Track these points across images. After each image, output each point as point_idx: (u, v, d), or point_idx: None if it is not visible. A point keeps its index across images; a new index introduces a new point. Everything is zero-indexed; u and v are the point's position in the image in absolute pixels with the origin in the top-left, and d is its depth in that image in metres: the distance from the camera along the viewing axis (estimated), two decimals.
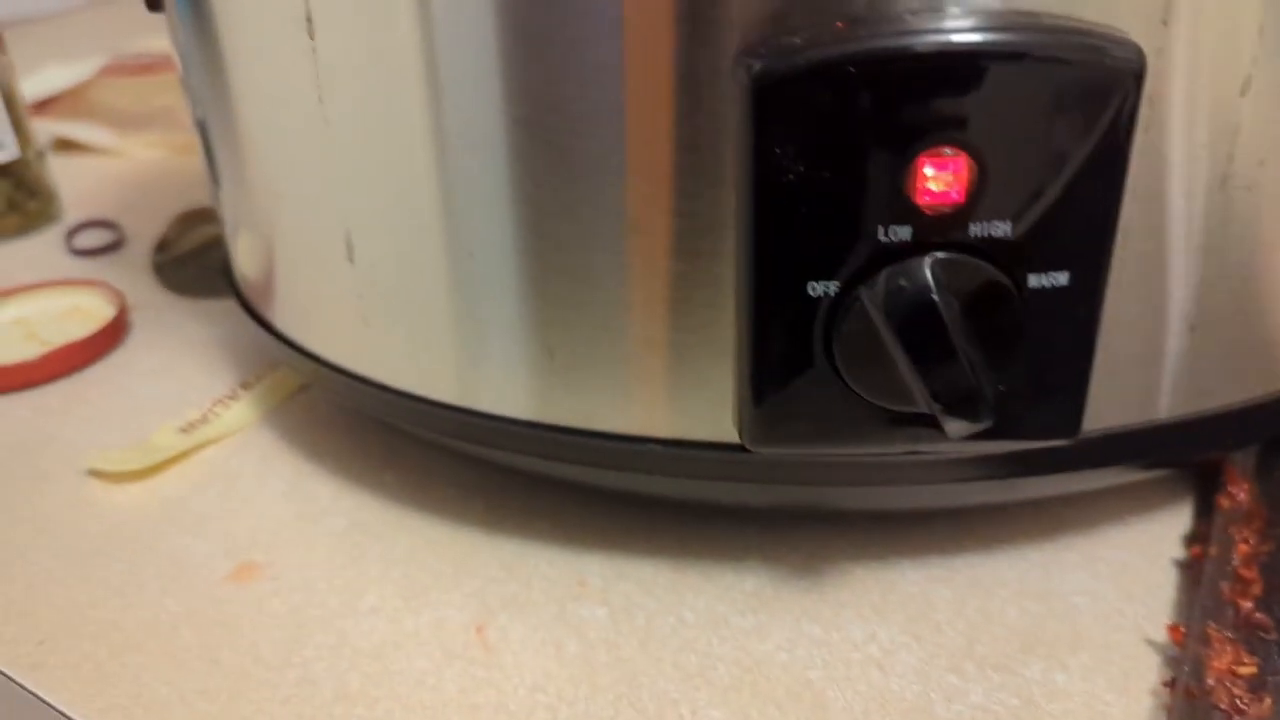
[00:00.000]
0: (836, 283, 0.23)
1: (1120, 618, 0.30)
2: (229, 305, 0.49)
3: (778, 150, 0.22)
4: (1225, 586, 0.30)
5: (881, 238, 0.23)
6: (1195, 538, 0.32)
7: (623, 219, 0.25)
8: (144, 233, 0.58)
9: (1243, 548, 0.31)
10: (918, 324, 0.23)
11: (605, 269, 0.26)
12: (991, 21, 0.22)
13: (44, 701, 0.29)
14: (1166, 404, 0.28)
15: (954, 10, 0.22)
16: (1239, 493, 0.33)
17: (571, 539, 0.33)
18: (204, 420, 0.40)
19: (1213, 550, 0.31)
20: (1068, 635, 0.29)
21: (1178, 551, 0.32)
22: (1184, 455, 0.31)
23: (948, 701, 0.27)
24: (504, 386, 0.28)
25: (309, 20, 0.26)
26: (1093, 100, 0.22)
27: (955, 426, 0.24)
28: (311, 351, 0.34)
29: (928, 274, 0.23)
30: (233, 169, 0.33)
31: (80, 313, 0.49)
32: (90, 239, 0.57)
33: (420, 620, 0.31)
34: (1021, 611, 0.30)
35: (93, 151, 0.70)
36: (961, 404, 0.24)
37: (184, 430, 0.40)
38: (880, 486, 0.28)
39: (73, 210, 0.62)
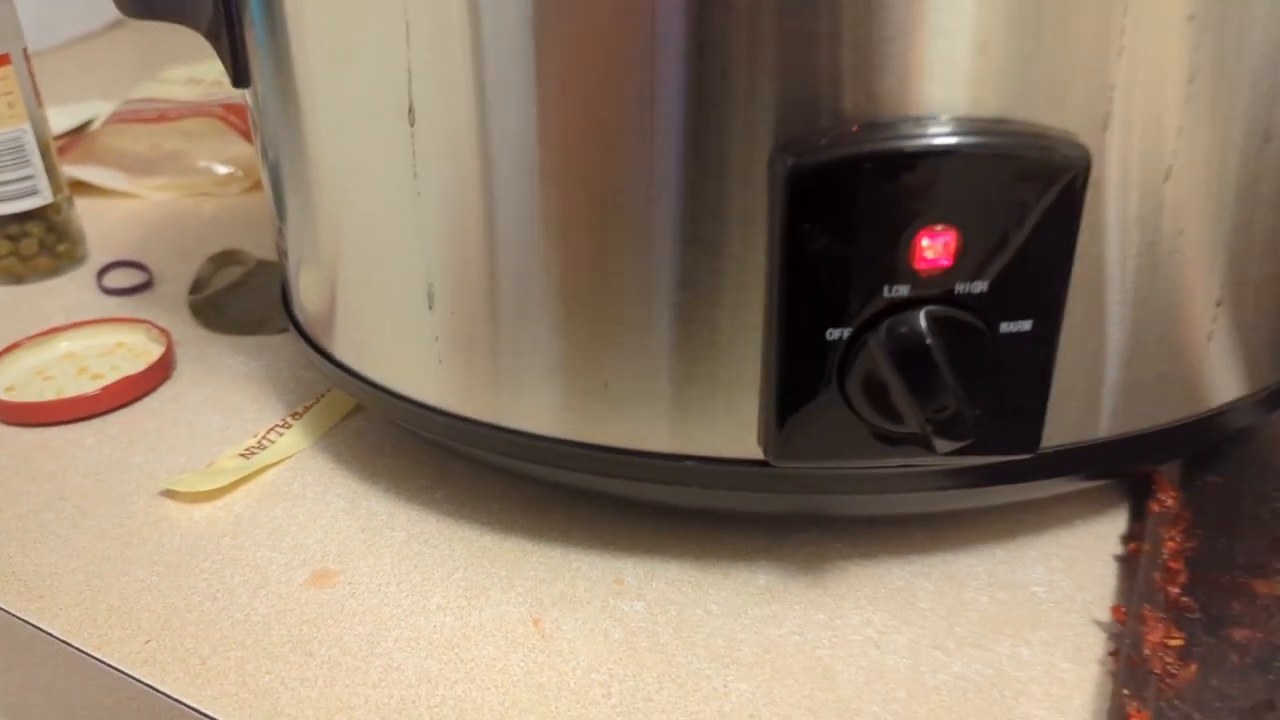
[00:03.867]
0: (849, 329, 0.29)
1: (1072, 603, 0.36)
2: (264, 342, 0.54)
3: (806, 227, 0.28)
4: (1157, 576, 0.36)
5: (886, 294, 0.29)
6: (1131, 537, 0.39)
7: (675, 280, 0.31)
8: (169, 272, 0.62)
9: (1170, 545, 0.38)
10: (914, 362, 0.29)
11: (658, 319, 0.31)
12: (974, 128, 0.28)
13: (159, 691, 0.34)
14: (1106, 425, 0.34)
15: (944, 118, 0.28)
16: (1167, 499, 0.39)
17: (607, 545, 0.39)
18: (261, 446, 0.45)
19: (1146, 547, 0.37)
20: (1030, 618, 0.35)
21: (1117, 549, 0.38)
22: (1121, 467, 0.38)
23: (934, 672, 0.33)
24: (565, 414, 0.34)
25: (411, 110, 0.31)
26: (1051, 187, 0.28)
27: (942, 444, 0.30)
28: (378, 383, 0.38)
29: (922, 323, 0.29)
30: (306, 217, 0.38)
31: (125, 348, 0.53)
32: (120, 279, 0.61)
33: (483, 616, 0.36)
34: (991, 599, 0.36)
35: (106, 194, 0.74)
36: (947, 424, 0.30)
37: (244, 455, 0.44)
38: (875, 495, 0.34)
39: (95, 251, 0.66)
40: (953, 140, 0.27)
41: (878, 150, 0.27)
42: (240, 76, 0.39)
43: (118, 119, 0.75)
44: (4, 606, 0.37)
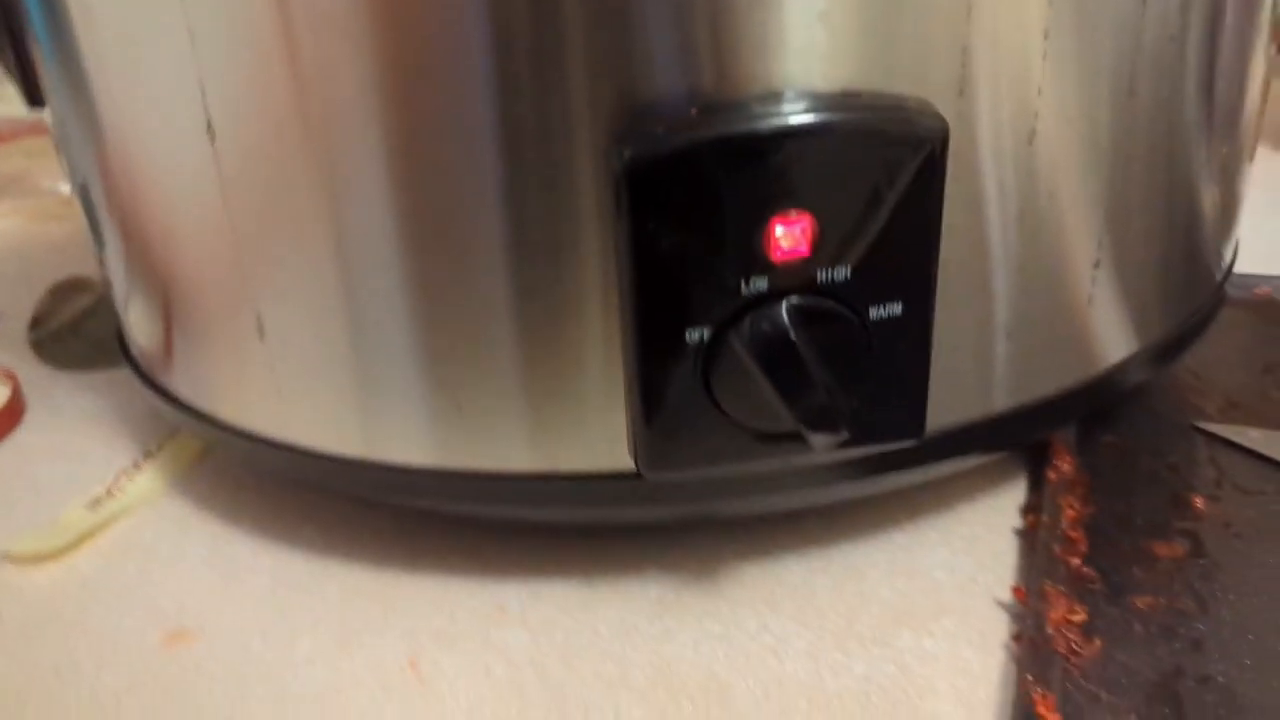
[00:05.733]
0: (709, 328, 0.27)
1: (974, 586, 0.34)
2: (115, 376, 0.50)
3: (650, 223, 0.26)
4: (1057, 548, 0.35)
5: (744, 290, 0.27)
6: (1030, 508, 0.37)
7: (519, 289, 0.28)
8: (14, 307, 0.58)
9: (1069, 513, 0.36)
10: (779, 358, 0.27)
11: (508, 334, 0.29)
12: (821, 103, 0.25)
13: None
14: (997, 399, 0.32)
15: (790, 94, 0.26)
16: (1064, 465, 0.38)
17: (487, 570, 0.36)
18: (110, 495, 0.41)
19: (1045, 519, 0.36)
20: (932, 606, 0.33)
21: (1017, 521, 0.37)
22: (1017, 440, 0.36)
23: (835, 676, 0.31)
24: (417, 440, 0.31)
25: (210, 128, 0.28)
26: (908, 161, 0.26)
27: (819, 440, 0.28)
28: (219, 419, 0.35)
29: (784, 316, 0.27)
30: (123, 245, 0.35)
31: None
32: None
33: (355, 662, 0.33)
34: (892, 589, 0.34)
35: None
36: (822, 421, 0.28)
37: (91, 507, 0.41)
38: (759, 496, 0.32)
39: None
40: (800, 119, 0.25)
41: (719, 134, 0.25)
42: (33, 95, 0.35)
43: None
44: None
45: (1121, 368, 0.35)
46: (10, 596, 0.37)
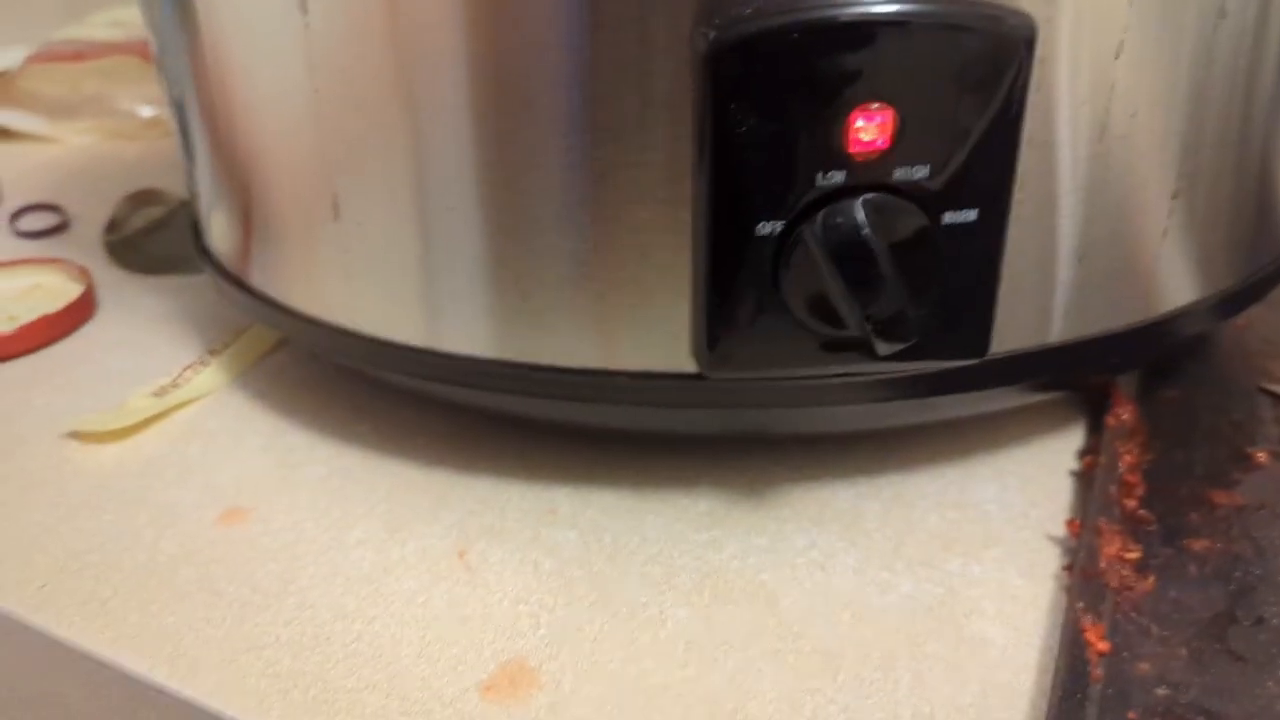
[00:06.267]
0: (782, 222, 0.27)
1: (1025, 520, 0.34)
2: (184, 282, 0.51)
3: (730, 107, 0.26)
4: (1113, 489, 0.34)
5: (819, 182, 0.27)
6: (1087, 452, 0.37)
7: (590, 173, 0.28)
8: (87, 215, 0.59)
9: (1127, 459, 0.36)
10: (852, 255, 0.27)
11: (577, 219, 0.29)
12: None
13: (55, 638, 0.31)
14: (1058, 329, 0.32)
15: None
16: (1124, 413, 0.37)
17: (540, 475, 0.37)
18: (175, 385, 0.42)
19: (1102, 460, 0.35)
20: (981, 535, 0.33)
21: (1073, 464, 0.36)
22: (1075, 376, 0.36)
23: (881, 593, 0.31)
24: (480, 329, 0.31)
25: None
26: (994, 62, 0.26)
27: (884, 345, 0.28)
28: (290, 307, 0.36)
29: (859, 212, 0.27)
30: (211, 144, 0.36)
31: (42, 290, 0.50)
32: (34, 222, 0.58)
33: (406, 549, 0.34)
34: (941, 518, 0.34)
35: (24, 138, 0.70)
36: (889, 324, 0.28)
37: (157, 394, 0.42)
38: (816, 408, 0.32)
39: (10, 196, 0.62)
40: (887, 8, 0.25)
41: (805, 19, 0.25)
42: None
43: (35, 60, 0.72)
44: None
45: (1184, 314, 0.34)
46: (74, 471, 0.38)
